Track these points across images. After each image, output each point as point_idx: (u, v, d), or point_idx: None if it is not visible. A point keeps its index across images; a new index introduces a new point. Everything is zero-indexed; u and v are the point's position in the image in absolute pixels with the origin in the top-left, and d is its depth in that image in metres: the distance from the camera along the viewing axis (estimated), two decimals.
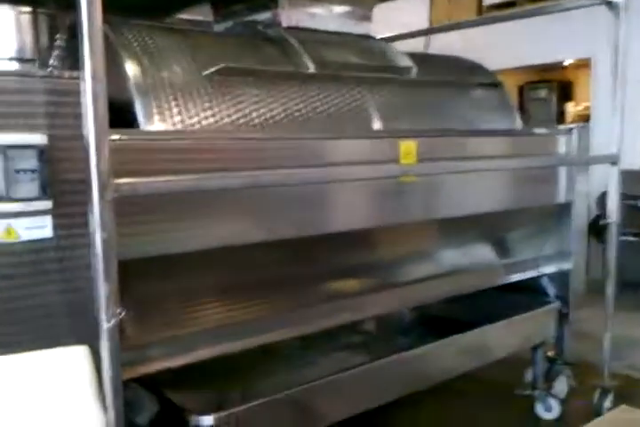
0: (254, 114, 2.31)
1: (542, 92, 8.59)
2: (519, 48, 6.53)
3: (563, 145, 3.13)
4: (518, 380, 3.60)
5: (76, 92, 1.66)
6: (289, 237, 2.22)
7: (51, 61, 2.52)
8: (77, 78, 1.66)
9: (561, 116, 8.58)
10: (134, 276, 1.95)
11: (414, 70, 2.89)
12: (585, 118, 7.39)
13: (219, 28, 2.85)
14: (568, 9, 3.64)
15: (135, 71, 2.14)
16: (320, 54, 2.59)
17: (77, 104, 1.66)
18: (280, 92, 2.39)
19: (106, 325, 1.63)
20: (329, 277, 2.55)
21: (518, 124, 3.27)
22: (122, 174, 1.68)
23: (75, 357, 1.73)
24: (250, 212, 2.07)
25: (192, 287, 2.13)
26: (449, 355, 2.86)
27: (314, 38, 2.70)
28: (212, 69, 2.24)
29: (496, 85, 3.23)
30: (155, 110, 2.09)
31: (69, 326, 1.76)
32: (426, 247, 2.95)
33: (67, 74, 1.74)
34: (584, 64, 7.91)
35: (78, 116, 1.65)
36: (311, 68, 2.53)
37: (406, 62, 2.91)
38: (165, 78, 2.18)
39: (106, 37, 2.15)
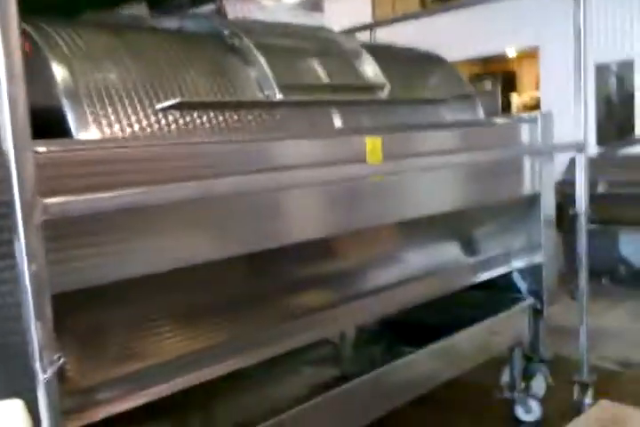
0: (202, 118, 2.06)
1: (487, 84, 8.56)
2: (465, 40, 6.43)
3: (527, 134, 2.98)
4: (495, 382, 3.44)
5: None
6: (247, 252, 1.98)
7: None
8: None
9: (507, 108, 8.57)
10: (74, 309, 1.69)
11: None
12: (531, 108, 7.37)
13: (157, 22, 2.57)
14: None
15: (64, 73, 1.86)
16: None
17: None
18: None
19: (42, 376, 1.36)
20: (293, 291, 2.31)
21: (481, 115, 3.10)
22: (51, 193, 1.42)
23: (7, 413, 1.46)
24: (203, 227, 1.82)
25: (142, 315, 1.87)
26: (425, 366, 2.67)
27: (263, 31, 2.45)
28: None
29: (456, 76, 3.06)
30: (89, 117, 1.82)
31: (1, 375, 1.48)
32: (391, 251, 2.75)
33: None
34: (527, 55, 7.91)
35: None
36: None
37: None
38: (100, 81, 1.91)
39: (30, 37, 1.90)
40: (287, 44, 2.51)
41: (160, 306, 1.93)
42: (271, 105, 2.24)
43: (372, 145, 2.10)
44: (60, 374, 1.62)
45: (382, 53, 2.83)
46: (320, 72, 2.58)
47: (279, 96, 2.23)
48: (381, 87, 2.67)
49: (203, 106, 2.04)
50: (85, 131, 1.78)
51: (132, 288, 1.78)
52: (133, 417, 2.05)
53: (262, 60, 2.29)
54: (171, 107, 1.94)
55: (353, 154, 2.12)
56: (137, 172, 1.65)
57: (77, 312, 1.71)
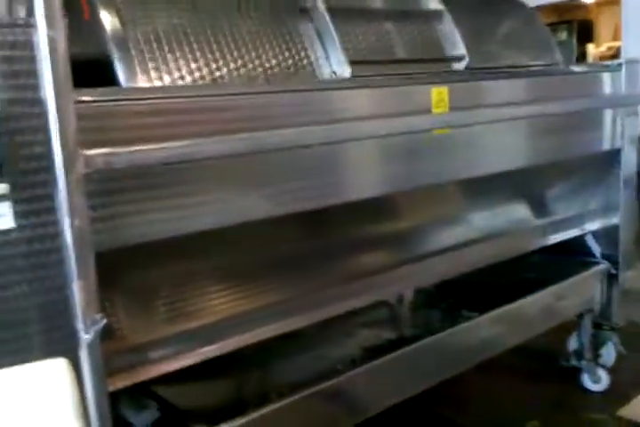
0: (257, 63, 1.93)
1: (562, 35, 8.04)
2: None
3: (609, 83, 2.73)
4: (562, 349, 3.29)
5: (30, 44, 1.30)
6: (304, 210, 1.87)
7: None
8: (31, 26, 1.29)
9: (582, 59, 8.07)
10: (126, 266, 1.63)
11: None
12: (608, 59, 6.91)
13: None
14: None
15: (112, 19, 1.76)
16: None
17: (34, 59, 1.30)
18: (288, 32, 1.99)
19: (84, 336, 1.30)
20: (351, 251, 2.21)
21: (559, 60, 2.86)
22: (93, 145, 1.33)
23: (52, 372, 1.42)
24: (257, 183, 1.72)
25: (195, 274, 1.80)
26: (491, 331, 2.54)
27: None
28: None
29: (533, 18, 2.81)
30: (137, 65, 1.72)
31: (44, 334, 1.44)
32: (455, 211, 2.60)
33: (18, 20, 1.36)
34: (606, 2, 7.39)
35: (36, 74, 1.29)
36: None
37: None
38: (151, 30, 1.80)
39: None
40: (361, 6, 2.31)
41: (214, 265, 1.86)
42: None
43: (438, 95, 1.94)
44: (107, 333, 1.58)
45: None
46: (394, 41, 2.40)
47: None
48: (460, 58, 2.48)
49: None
50: (134, 81, 1.68)
51: (186, 246, 1.72)
52: (187, 375, 2.02)
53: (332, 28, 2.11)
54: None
55: (418, 105, 1.96)
56: (186, 124, 1.55)
57: (130, 269, 1.65)
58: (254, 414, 1.77)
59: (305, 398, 1.90)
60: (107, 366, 1.47)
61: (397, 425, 2.83)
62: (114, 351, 1.62)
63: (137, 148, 1.37)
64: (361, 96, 1.89)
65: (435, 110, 1.97)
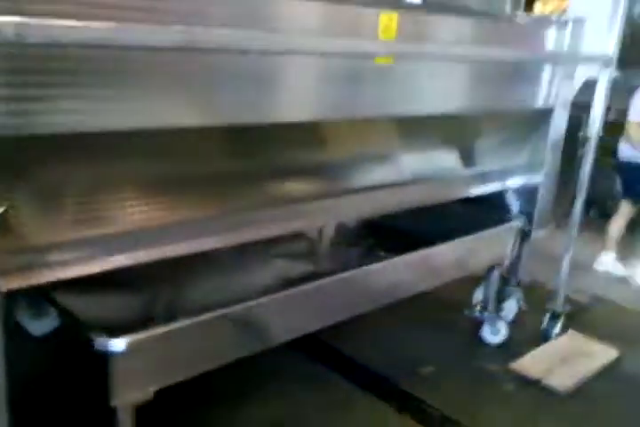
0: None
1: None
2: None
3: (553, 38, 2.71)
4: (467, 298, 3.37)
5: None
6: (229, 124, 1.77)
7: None
8: None
9: None
10: (31, 158, 1.49)
11: None
12: None
13: None
14: None
15: None
16: None
17: None
18: None
19: None
20: (275, 177, 2.12)
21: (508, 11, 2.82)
22: (3, 12, 1.18)
23: None
24: (181, 85, 1.59)
25: (107, 178, 1.68)
26: (402, 274, 2.54)
27: None
28: None
29: None
30: None
31: None
32: (385, 150, 2.55)
33: None
34: None
35: None
36: None
37: None
38: None
39: None
40: None
41: (132, 171, 1.74)
42: None
43: (387, 20, 1.85)
44: (3, 228, 1.46)
45: None
46: None
47: None
48: None
49: None
50: None
51: (104, 146, 1.59)
52: (94, 287, 1.92)
53: None
54: None
55: (365, 28, 1.88)
56: (113, 7, 1.41)
57: (39, 163, 1.51)
58: (158, 330, 1.70)
59: (212, 319, 1.84)
60: (1, 264, 1.36)
61: (295, 355, 2.85)
62: (9, 249, 1.50)
63: (55, 22, 1.22)
64: (306, 9, 1.78)
65: (381, 36, 1.89)
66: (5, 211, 1.39)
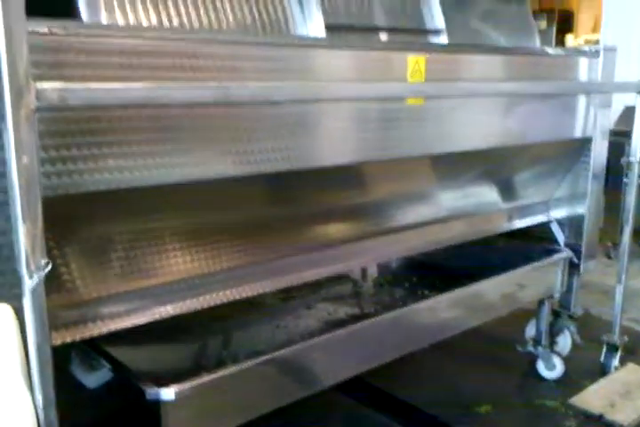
0: (231, 17, 1.85)
1: (542, 24, 7.99)
2: None
3: (585, 69, 2.71)
4: (519, 334, 3.30)
5: None
6: (268, 172, 1.81)
7: None
8: None
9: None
10: (79, 215, 1.55)
11: None
12: None
13: None
14: None
15: None
16: None
17: None
18: None
19: (28, 281, 1.23)
20: (315, 220, 2.16)
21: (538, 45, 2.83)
22: (48, 79, 1.25)
23: None
24: (219, 139, 1.65)
25: (152, 231, 1.73)
26: (450, 312, 2.51)
27: None
28: None
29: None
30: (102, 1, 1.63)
31: None
32: (423, 187, 2.56)
33: None
34: None
35: None
36: None
37: None
38: None
39: None
40: None
41: (175, 222, 1.79)
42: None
43: (415, 63, 1.89)
44: (56, 284, 1.52)
45: None
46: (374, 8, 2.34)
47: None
48: (438, 32, 2.43)
49: None
50: (97, 16, 1.60)
51: (147, 199, 1.65)
52: (142, 338, 1.96)
53: None
54: None
55: (394, 72, 1.91)
56: (149, 67, 1.47)
57: (86, 219, 1.58)
58: (207, 378, 1.71)
59: (260, 365, 1.85)
60: (53, 319, 1.41)
61: (345, 399, 2.82)
62: (62, 304, 1.55)
63: (95, 85, 1.29)
64: (335, 57, 1.83)
65: (410, 79, 1.93)
66: (56, 267, 1.44)
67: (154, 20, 1.69)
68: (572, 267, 3.05)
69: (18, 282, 1.31)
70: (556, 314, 3.21)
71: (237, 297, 1.90)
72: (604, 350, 3.22)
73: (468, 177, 2.71)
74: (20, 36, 1.18)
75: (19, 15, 1.18)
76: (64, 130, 1.38)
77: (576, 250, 3.04)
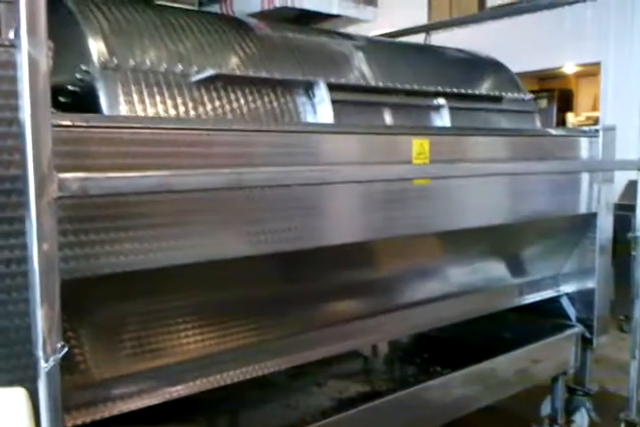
0: (243, 108, 1.96)
1: (542, 102, 8.24)
2: (521, 53, 6.21)
3: (587, 148, 2.79)
4: (535, 412, 3.23)
5: (13, 64, 1.31)
6: (278, 251, 1.86)
7: None
8: (15, 46, 1.30)
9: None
10: (91, 298, 1.59)
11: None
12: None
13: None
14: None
15: (100, 47, 1.77)
16: None
17: (15, 79, 1.31)
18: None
19: (44, 364, 1.25)
20: (325, 298, 2.18)
21: (538, 126, 2.93)
22: (69, 169, 1.32)
23: (7, 402, 1.36)
24: (231, 220, 1.70)
25: (162, 311, 1.76)
26: (463, 389, 2.48)
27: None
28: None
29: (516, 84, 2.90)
30: (121, 96, 1.73)
31: (3, 361, 1.38)
32: (432, 264, 2.59)
33: (3, 40, 1.37)
34: (586, 73, 7.65)
35: (16, 95, 1.29)
36: None
37: None
38: (137, 58, 1.81)
39: (67, 8, 1.83)
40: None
41: (185, 302, 1.82)
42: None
43: (420, 146, 1.97)
44: (69, 366, 1.53)
45: (443, 56, 2.69)
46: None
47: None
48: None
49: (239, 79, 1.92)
50: (116, 110, 1.69)
51: (157, 281, 1.68)
52: (152, 418, 1.95)
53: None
54: (206, 80, 1.83)
55: (399, 155, 1.99)
56: (165, 155, 1.55)
57: (98, 301, 1.61)
58: None
59: None
60: (66, 400, 1.42)
61: None
62: (74, 386, 1.56)
63: (113, 174, 1.36)
64: (343, 141, 1.91)
65: (415, 161, 2.00)
66: (70, 348, 1.46)
67: (172, 112, 1.78)
68: (585, 342, 3.03)
69: (33, 364, 1.33)
70: (571, 391, 3.15)
71: (247, 377, 1.90)
72: None
73: (477, 253, 2.74)
74: (46, 129, 1.26)
75: (45, 109, 1.26)
76: (83, 216, 1.44)
77: (588, 324, 3.02)
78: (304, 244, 1.88)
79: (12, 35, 1.38)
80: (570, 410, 3.15)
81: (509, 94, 2.81)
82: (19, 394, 1.38)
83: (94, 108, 1.69)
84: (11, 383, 1.39)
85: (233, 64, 2.05)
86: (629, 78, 5.23)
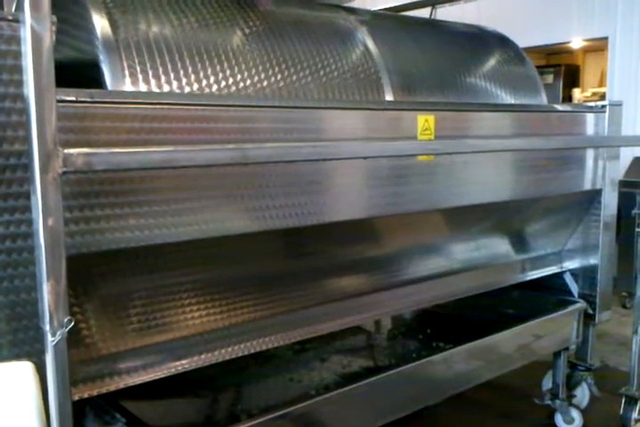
0: (247, 80, 1.94)
1: (548, 78, 8.14)
2: (527, 28, 6.14)
3: (592, 124, 2.77)
4: (536, 386, 3.26)
5: (17, 39, 1.30)
6: (283, 228, 1.86)
7: None
8: (18, 21, 1.29)
9: (567, 102, 8.19)
10: (97, 273, 1.60)
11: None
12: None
13: None
14: None
15: (103, 21, 1.75)
16: None
17: (18, 54, 1.30)
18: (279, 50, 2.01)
19: (51, 338, 1.27)
20: (329, 274, 2.19)
21: (544, 102, 2.91)
22: (74, 145, 1.32)
23: (15, 375, 1.38)
24: (236, 196, 1.70)
25: (168, 287, 1.77)
26: (465, 364, 2.50)
27: None
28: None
29: (522, 59, 2.87)
30: (125, 69, 1.72)
31: (11, 335, 1.40)
32: (436, 240, 2.60)
33: (6, 15, 1.36)
34: (593, 48, 7.56)
35: (20, 70, 1.29)
36: None
37: None
38: (141, 32, 1.80)
39: None
40: None
41: (190, 278, 1.83)
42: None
43: (425, 122, 1.96)
44: (75, 340, 1.55)
45: (448, 30, 2.66)
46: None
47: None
48: None
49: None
50: (120, 84, 1.68)
51: (163, 256, 1.69)
52: (158, 390, 1.98)
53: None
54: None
55: (404, 130, 1.98)
56: (169, 131, 1.55)
57: (105, 276, 1.62)
58: None
59: (274, 420, 1.85)
60: (73, 374, 1.44)
61: None
62: (81, 359, 1.59)
63: (118, 149, 1.36)
64: (348, 117, 1.90)
65: (420, 137, 1.99)
66: (76, 323, 1.48)
67: (175, 86, 1.77)
68: (587, 318, 3.05)
69: (40, 338, 1.35)
70: (572, 366, 3.18)
71: (252, 351, 1.92)
72: (623, 402, 3.17)
73: (481, 229, 2.74)
74: (50, 104, 1.25)
75: (49, 84, 1.25)
76: (88, 191, 1.44)
77: (590, 301, 3.04)
78: (308, 220, 1.88)
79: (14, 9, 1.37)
80: (571, 385, 3.19)
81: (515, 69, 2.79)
82: (26, 368, 1.40)
83: (98, 82, 1.68)
84: (18, 357, 1.41)
85: (237, 39, 2.03)
86: (636, 54, 5.17)
